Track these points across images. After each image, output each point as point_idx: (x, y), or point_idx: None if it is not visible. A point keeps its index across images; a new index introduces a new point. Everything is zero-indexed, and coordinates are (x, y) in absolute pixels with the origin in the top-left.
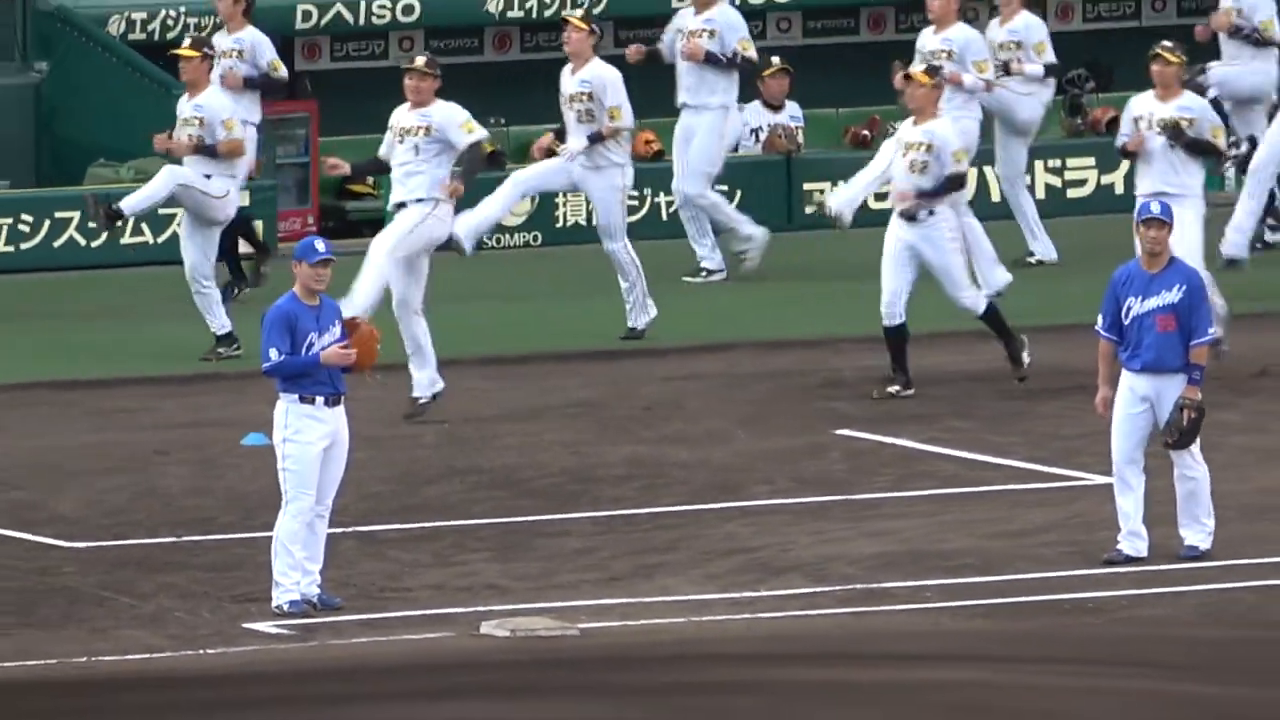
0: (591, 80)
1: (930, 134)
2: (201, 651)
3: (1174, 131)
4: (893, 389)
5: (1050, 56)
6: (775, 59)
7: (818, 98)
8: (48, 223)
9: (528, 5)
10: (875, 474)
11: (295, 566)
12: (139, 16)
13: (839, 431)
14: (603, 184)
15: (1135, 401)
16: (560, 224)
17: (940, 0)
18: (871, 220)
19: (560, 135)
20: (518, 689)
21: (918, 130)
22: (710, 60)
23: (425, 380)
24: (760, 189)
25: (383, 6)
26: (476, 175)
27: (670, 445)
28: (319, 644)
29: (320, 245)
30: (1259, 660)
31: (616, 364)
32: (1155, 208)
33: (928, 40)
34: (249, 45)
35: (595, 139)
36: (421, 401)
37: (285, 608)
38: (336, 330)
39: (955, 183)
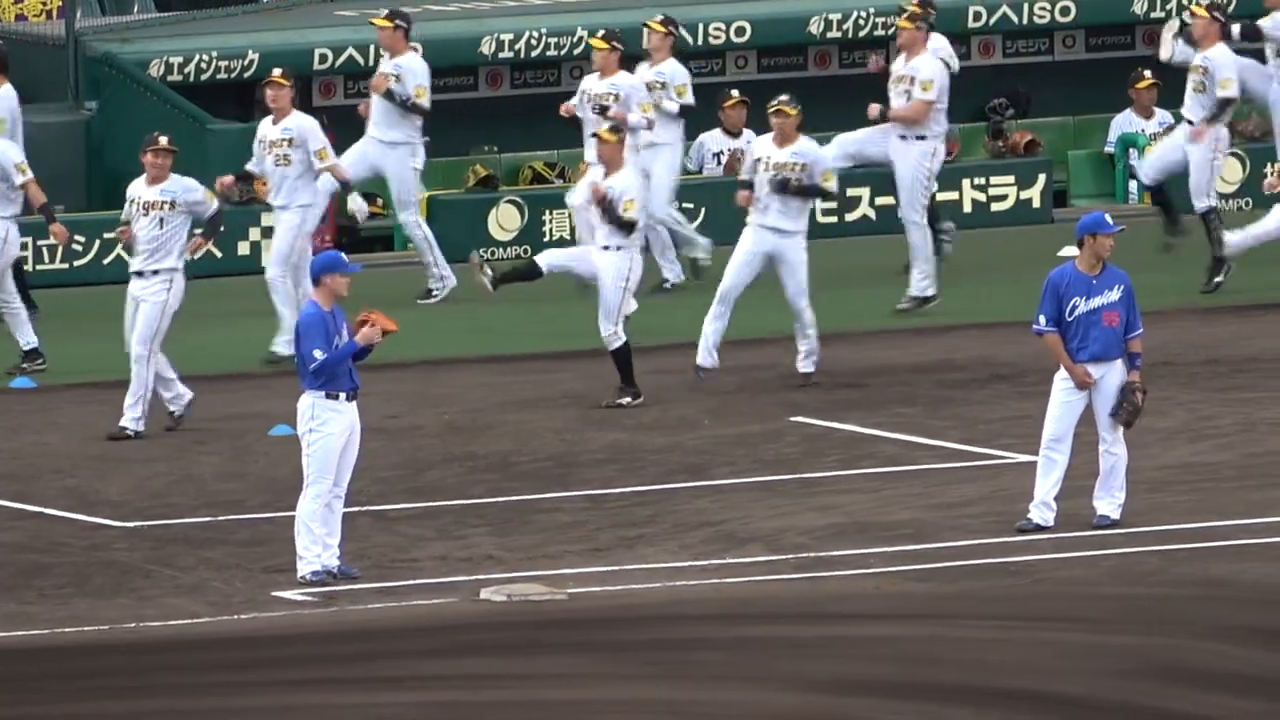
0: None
1: (611, 188)
2: (236, 617)
3: (781, 184)
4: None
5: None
6: (734, 92)
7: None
8: (97, 243)
9: (516, 47)
10: (825, 455)
11: (316, 541)
12: (176, 60)
13: (793, 418)
14: None
15: (1074, 388)
16: (548, 237)
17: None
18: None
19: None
20: (515, 646)
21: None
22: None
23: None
24: (723, 206)
25: None
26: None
27: (646, 432)
28: (339, 609)
29: (347, 259)
30: (1162, 613)
31: (599, 361)
32: (1110, 220)
33: (594, 84)
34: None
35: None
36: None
37: (308, 577)
38: (345, 332)
39: (627, 227)
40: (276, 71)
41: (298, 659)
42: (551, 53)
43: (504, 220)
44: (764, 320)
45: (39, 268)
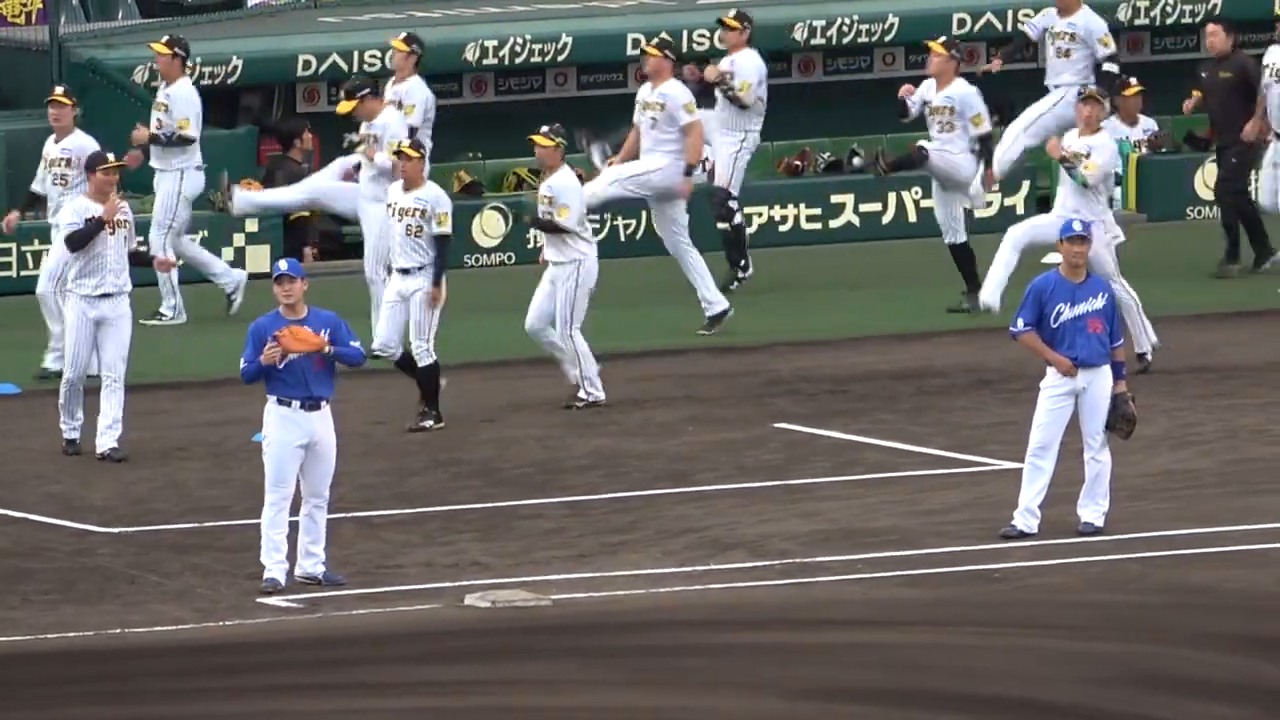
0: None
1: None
2: (221, 623)
3: (532, 219)
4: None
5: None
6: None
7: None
8: None
9: (500, 54)
10: (810, 461)
11: (275, 549)
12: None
13: (778, 425)
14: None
15: (1061, 395)
16: (531, 245)
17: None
18: (800, 239)
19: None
20: (499, 652)
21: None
22: None
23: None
24: (708, 212)
25: (373, 56)
26: None
27: (629, 438)
28: (323, 615)
29: (283, 264)
30: (1143, 621)
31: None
32: (1077, 226)
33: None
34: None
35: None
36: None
37: (264, 585)
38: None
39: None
40: (59, 90)
41: (282, 665)
42: (535, 59)
43: (488, 227)
44: (750, 328)
45: (22, 273)
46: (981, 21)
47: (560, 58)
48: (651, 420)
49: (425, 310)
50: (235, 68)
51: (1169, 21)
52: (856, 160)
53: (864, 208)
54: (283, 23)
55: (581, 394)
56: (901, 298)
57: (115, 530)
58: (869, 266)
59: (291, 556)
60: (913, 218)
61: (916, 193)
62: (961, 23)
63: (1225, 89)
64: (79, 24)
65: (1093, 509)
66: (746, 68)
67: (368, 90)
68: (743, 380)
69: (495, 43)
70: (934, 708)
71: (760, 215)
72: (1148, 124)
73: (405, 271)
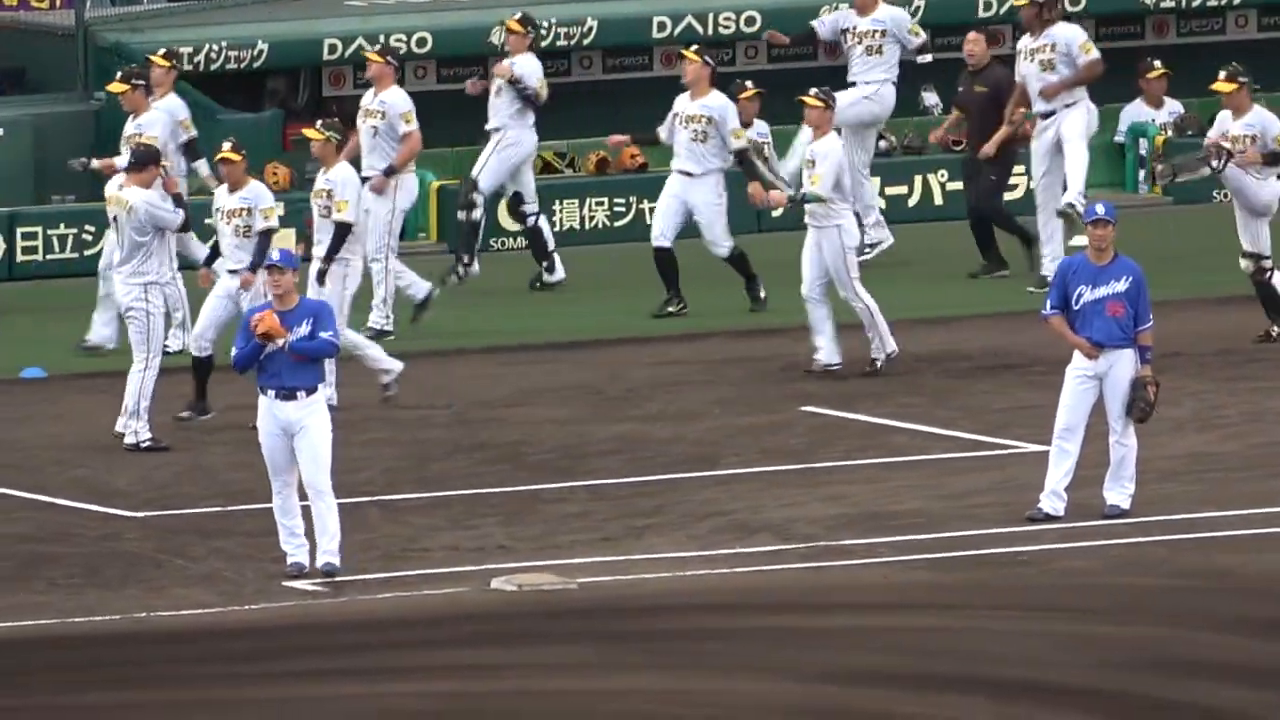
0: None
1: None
2: (246, 607)
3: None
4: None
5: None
6: (749, 83)
7: (780, 116)
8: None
9: None
10: (834, 445)
11: (291, 534)
12: (186, 50)
13: (802, 408)
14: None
15: (1086, 378)
16: (558, 226)
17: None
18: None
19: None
20: (524, 636)
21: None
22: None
23: None
24: (738, 196)
25: (399, 39)
26: None
27: (654, 423)
28: (349, 599)
29: (274, 254)
30: (1164, 604)
31: (606, 352)
32: (1100, 209)
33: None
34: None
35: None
36: None
37: (288, 569)
38: (304, 329)
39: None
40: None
41: (307, 649)
42: (561, 42)
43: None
44: (773, 312)
45: (48, 257)
46: (682, 24)
47: (586, 41)
48: (676, 404)
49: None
50: (261, 51)
51: (1195, 4)
52: (883, 143)
53: (890, 190)
54: (309, 6)
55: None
56: (926, 281)
57: (141, 514)
58: (894, 249)
59: (313, 540)
60: (939, 200)
61: (942, 175)
62: (987, 5)
63: (981, 102)
64: (104, 8)
65: (1118, 492)
66: (528, 69)
67: (140, 82)
68: (768, 364)
69: None
70: (952, 691)
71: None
72: (1173, 107)
73: (234, 273)
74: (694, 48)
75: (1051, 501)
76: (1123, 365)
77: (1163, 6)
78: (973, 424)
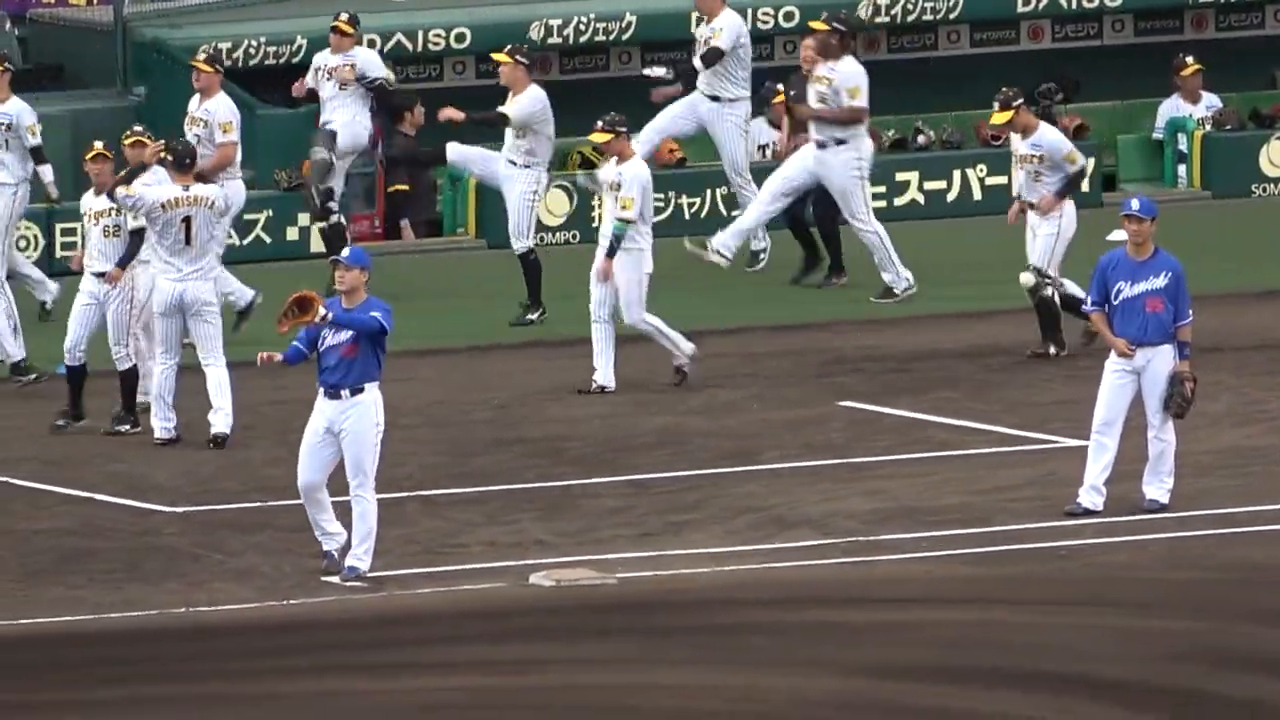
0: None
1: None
2: (285, 602)
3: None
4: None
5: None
6: (779, 86)
7: None
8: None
9: (565, 32)
10: (873, 440)
11: (320, 529)
12: (224, 45)
13: (842, 403)
14: None
15: (1124, 372)
16: (596, 221)
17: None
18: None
19: None
20: (563, 631)
21: None
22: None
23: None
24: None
25: (437, 35)
26: None
27: (693, 417)
28: (388, 594)
29: (345, 251)
30: (1208, 597)
31: (646, 346)
32: (1135, 205)
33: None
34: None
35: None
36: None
37: (325, 564)
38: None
39: None
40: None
41: (346, 644)
42: (600, 38)
43: (553, 205)
44: (812, 306)
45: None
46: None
47: (625, 36)
48: (715, 399)
49: (121, 313)
50: (300, 47)
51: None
52: (921, 138)
53: (929, 185)
54: (347, 2)
55: None
56: (965, 276)
57: (179, 509)
58: (933, 244)
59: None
60: (977, 195)
61: (981, 170)
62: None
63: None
64: (143, 3)
65: (1157, 486)
66: (368, 61)
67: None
68: (807, 358)
69: (560, 21)
70: (994, 685)
71: None
72: (1211, 101)
73: (101, 275)
74: (509, 47)
75: (1090, 496)
76: (1161, 360)
77: (1201, 1)
78: (1012, 418)
